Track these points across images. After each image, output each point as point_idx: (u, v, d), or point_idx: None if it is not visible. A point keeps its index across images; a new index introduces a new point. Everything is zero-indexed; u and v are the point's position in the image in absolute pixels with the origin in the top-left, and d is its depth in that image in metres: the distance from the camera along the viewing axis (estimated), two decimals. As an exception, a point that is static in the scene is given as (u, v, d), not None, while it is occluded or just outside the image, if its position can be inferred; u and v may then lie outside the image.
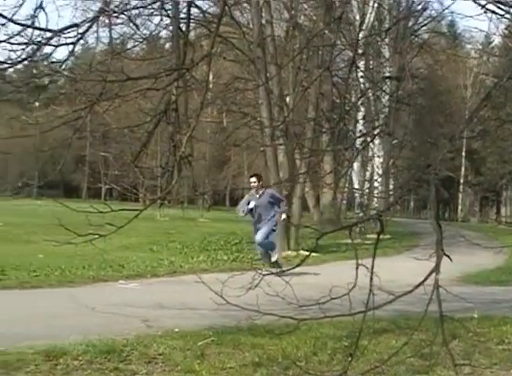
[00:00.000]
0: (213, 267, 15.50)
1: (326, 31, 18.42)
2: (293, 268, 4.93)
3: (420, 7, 36.16)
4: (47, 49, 6.65)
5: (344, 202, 36.96)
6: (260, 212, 14.51)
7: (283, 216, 15.35)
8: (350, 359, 5.25)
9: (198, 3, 22.23)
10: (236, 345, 6.92)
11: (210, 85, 22.72)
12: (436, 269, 3.96)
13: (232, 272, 6.49)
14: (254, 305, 4.92)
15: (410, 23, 36.36)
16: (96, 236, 5.49)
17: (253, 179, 14.92)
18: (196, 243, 22.08)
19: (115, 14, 8.59)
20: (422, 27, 38.26)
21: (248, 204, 14.59)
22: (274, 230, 14.74)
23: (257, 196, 14.50)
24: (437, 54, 39.40)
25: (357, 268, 4.22)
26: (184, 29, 7.22)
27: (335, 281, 4.99)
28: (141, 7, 11.25)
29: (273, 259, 14.44)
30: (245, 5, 24.09)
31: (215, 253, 18.94)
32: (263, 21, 20.49)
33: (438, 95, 43.75)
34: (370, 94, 29.95)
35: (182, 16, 8.25)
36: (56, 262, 13.81)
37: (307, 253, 13.29)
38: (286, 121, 15.31)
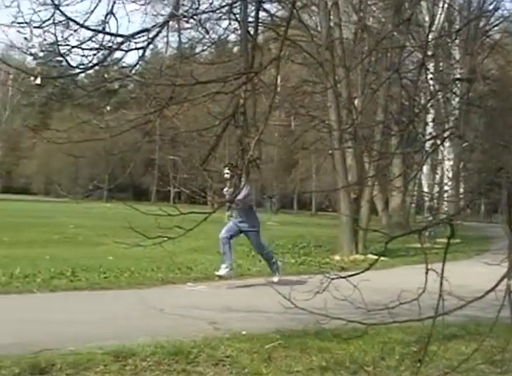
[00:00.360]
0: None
1: (395, 33, 18.29)
2: (362, 272, 4.88)
3: (491, 7, 35.53)
4: (117, 54, 6.77)
5: (414, 206, 36.56)
6: (236, 212, 12.50)
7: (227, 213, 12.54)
8: (419, 364, 5.19)
9: (266, 7, 22.28)
10: (303, 348, 6.90)
11: (279, 89, 22.75)
12: (508, 274, 3.89)
13: (299, 276, 6.47)
14: (321, 309, 4.90)
15: (481, 24, 35.73)
16: (165, 238, 5.54)
17: (226, 170, 12.32)
18: (264, 246, 22.08)
19: (184, 19, 8.68)
20: (494, 27, 37.52)
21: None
22: (257, 231, 12.82)
23: (231, 190, 11.92)
24: (509, 55, 38.55)
25: (426, 272, 4.17)
26: (252, 32, 7.24)
27: (404, 286, 4.94)
28: (210, 11, 11.31)
29: (221, 272, 12.54)
30: (313, 8, 24.06)
31: (283, 256, 18.86)
32: (331, 24, 20.42)
33: (510, 97, 42.91)
34: (440, 96, 29.55)
35: (251, 19, 8.25)
36: (126, 263, 13.97)
37: (375, 257, 13.17)
38: (355, 124, 15.18)
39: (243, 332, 7.62)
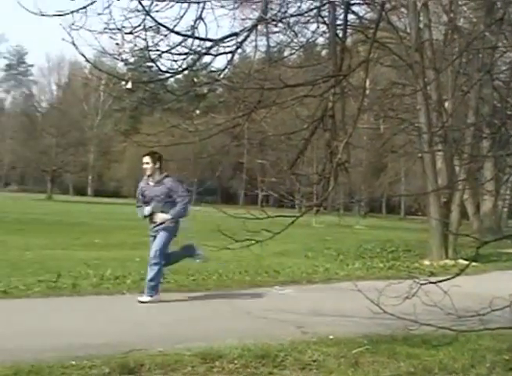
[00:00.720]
0: (368, 275, 15.31)
1: (487, 33, 17.90)
2: (453, 277, 4.79)
3: None
4: (206, 59, 6.86)
5: (506, 210, 35.76)
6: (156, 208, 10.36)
7: (165, 216, 10.18)
8: (511, 373, 5.06)
9: (355, 9, 22.09)
10: (390, 354, 6.81)
11: (367, 91, 22.57)
12: None
13: (388, 281, 6.39)
14: (410, 315, 4.84)
15: None
16: (253, 241, 5.57)
17: (145, 159, 10.37)
18: (352, 250, 21.95)
19: (273, 22, 8.72)
20: None
21: (143, 196, 10.58)
22: (175, 236, 10.42)
23: (152, 184, 10.42)
24: None
25: (519, 279, 4.07)
26: (341, 35, 7.21)
27: (496, 292, 4.83)
28: (298, 15, 11.34)
29: (145, 299, 9.91)
30: (402, 9, 23.78)
31: (371, 260, 18.73)
32: (421, 25, 20.15)
33: None
34: (534, 98, 28.83)
35: (339, 22, 8.22)
36: (214, 266, 14.07)
37: (466, 262, 12.91)
38: (445, 127, 14.95)
39: (331, 336, 7.58)
